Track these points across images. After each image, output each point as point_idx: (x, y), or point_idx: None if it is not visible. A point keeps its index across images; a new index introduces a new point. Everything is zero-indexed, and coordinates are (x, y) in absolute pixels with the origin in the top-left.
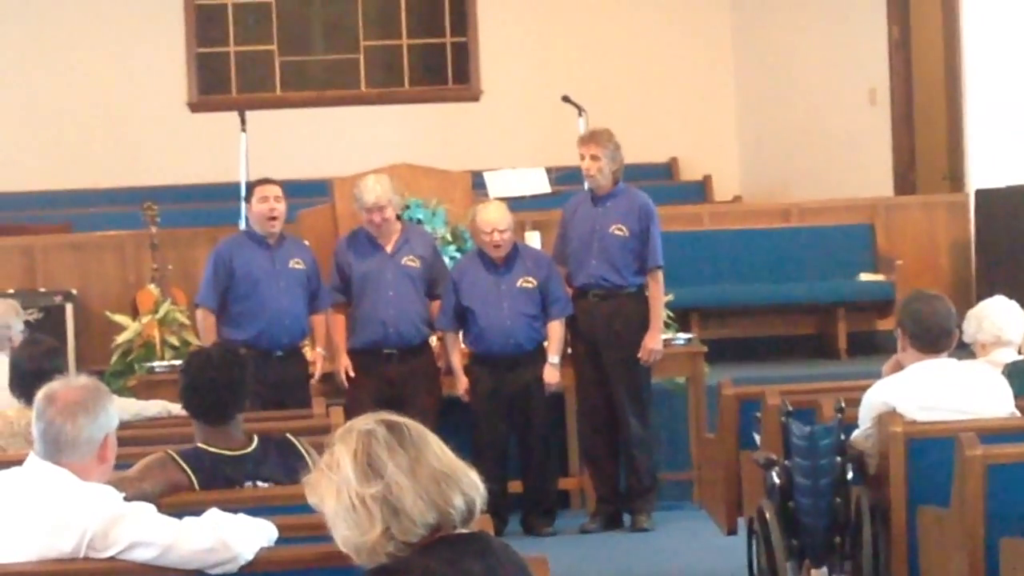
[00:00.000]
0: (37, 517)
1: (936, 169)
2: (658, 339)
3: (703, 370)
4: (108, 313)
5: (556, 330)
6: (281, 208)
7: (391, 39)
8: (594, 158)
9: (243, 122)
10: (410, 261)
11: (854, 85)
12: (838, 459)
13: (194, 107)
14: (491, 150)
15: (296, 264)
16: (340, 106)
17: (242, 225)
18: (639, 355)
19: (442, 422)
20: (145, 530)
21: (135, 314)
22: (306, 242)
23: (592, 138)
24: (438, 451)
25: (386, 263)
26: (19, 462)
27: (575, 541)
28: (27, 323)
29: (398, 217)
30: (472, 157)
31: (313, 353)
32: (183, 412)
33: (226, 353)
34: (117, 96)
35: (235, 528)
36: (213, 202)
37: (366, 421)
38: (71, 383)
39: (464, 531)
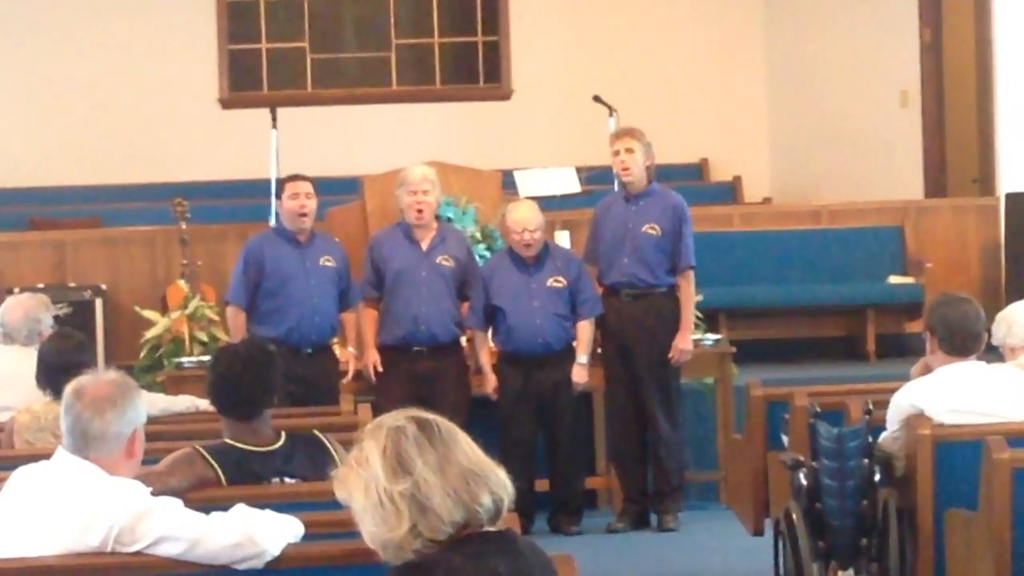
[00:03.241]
0: (64, 511)
1: (966, 172)
2: (689, 339)
3: (731, 371)
4: (137, 308)
5: (585, 330)
6: (312, 205)
7: (423, 37)
8: (629, 151)
9: (274, 119)
10: (445, 260)
11: (885, 87)
12: (865, 461)
13: (225, 103)
14: (521, 149)
15: (327, 261)
16: (371, 104)
17: (272, 222)
18: (669, 355)
19: (470, 420)
20: (172, 525)
21: (164, 309)
22: (337, 239)
23: (626, 132)
24: (467, 449)
25: (421, 261)
26: (46, 456)
27: (602, 540)
28: (56, 318)
29: (436, 217)
30: (502, 156)
31: (344, 352)
32: (211, 408)
33: (254, 349)
34: (149, 92)
35: (262, 524)
36: (243, 198)
37: (396, 418)
38: (100, 378)
39: (491, 529)
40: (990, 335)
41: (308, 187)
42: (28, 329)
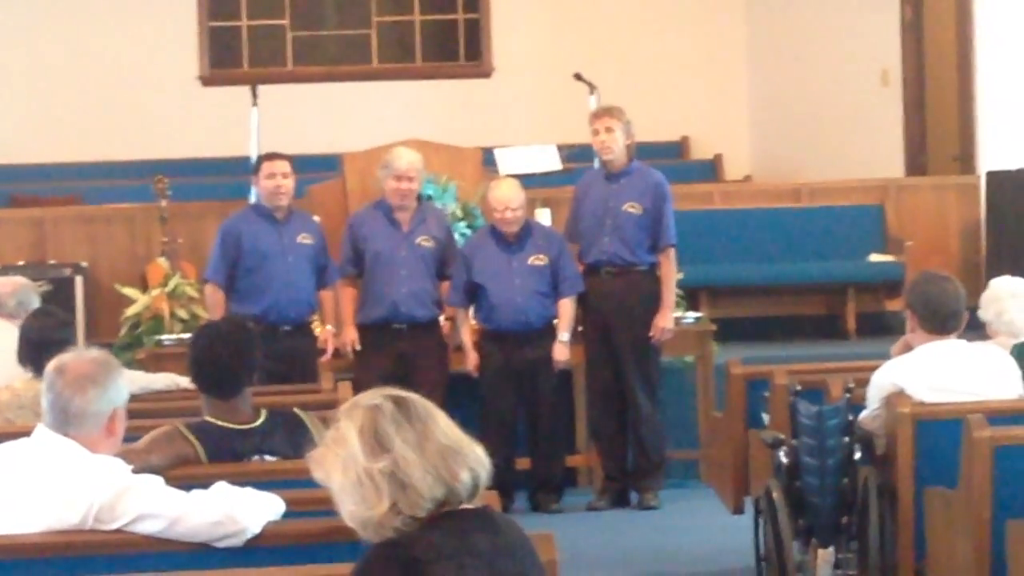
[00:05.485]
0: (44, 488)
1: (947, 151)
2: (669, 318)
3: (712, 349)
4: (118, 286)
5: (567, 307)
6: (288, 184)
7: (403, 15)
8: (608, 130)
9: (255, 96)
10: (424, 241)
11: (866, 66)
12: (846, 439)
13: (206, 81)
14: (502, 127)
15: (304, 239)
16: (351, 81)
17: (253, 199)
18: (650, 333)
19: (450, 398)
20: (152, 502)
21: (144, 287)
22: (316, 217)
23: (606, 111)
24: (444, 426)
25: (401, 241)
26: (26, 434)
27: (582, 518)
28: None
29: (417, 197)
30: (483, 134)
31: (323, 331)
32: (191, 385)
33: (234, 327)
34: (129, 69)
35: (242, 502)
36: (224, 176)
37: (372, 396)
38: (82, 355)
39: (470, 506)
40: (971, 313)
41: (285, 166)
42: (17, 300)
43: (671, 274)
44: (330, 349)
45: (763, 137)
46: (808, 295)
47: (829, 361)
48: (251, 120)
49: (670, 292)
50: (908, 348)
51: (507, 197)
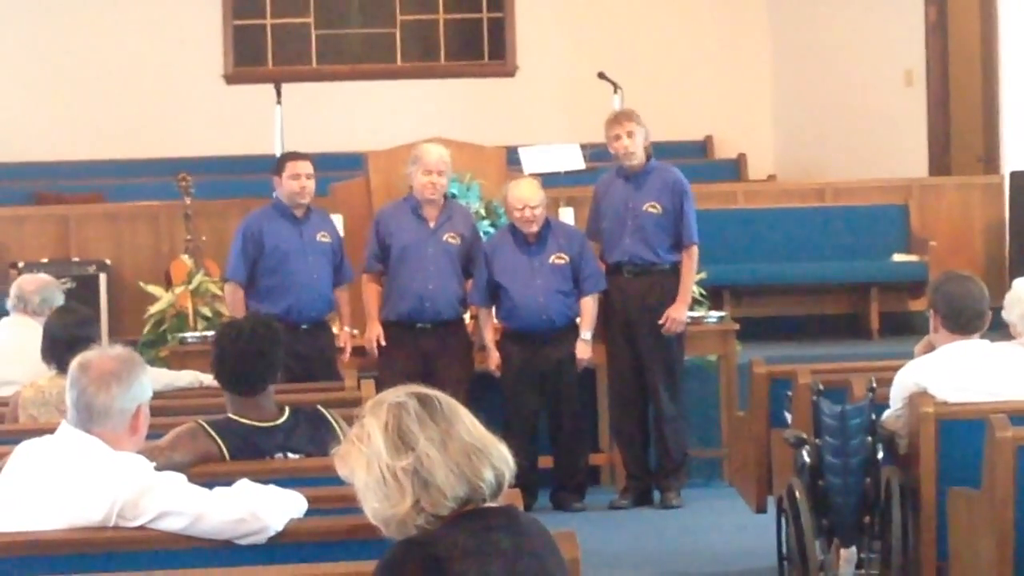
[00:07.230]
0: (68, 485)
1: (971, 150)
2: (683, 310)
3: (735, 348)
4: (141, 283)
5: (589, 306)
6: (311, 185)
7: (428, 14)
8: (630, 134)
9: (279, 95)
10: (451, 238)
11: (890, 66)
12: (868, 439)
13: (230, 79)
14: (526, 126)
15: (323, 237)
16: (375, 80)
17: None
18: (659, 320)
19: (473, 397)
20: (175, 500)
21: (168, 284)
22: (332, 215)
23: (625, 116)
24: (469, 424)
25: (428, 238)
26: (50, 430)
27: (604, 517)
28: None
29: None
30: (507, 132)
31: (342, 332)
32: (215, 383)
33: (258, 324)
34: (154, 67)
35: (265, 499)
36: (248, 174)
37: (397, 394)
38: (106, 352)
39: (493, 505)
40: (994, 313)
41: (308, 167)
42: (41, 298)
43: (691, 271)
44: (348, 349)
45: (787, 137)
46: (831, 295)
47: (852, 361)
48: (275, 118)
49: (687, 287)
50: (931, 348)
51: (526, 196)
